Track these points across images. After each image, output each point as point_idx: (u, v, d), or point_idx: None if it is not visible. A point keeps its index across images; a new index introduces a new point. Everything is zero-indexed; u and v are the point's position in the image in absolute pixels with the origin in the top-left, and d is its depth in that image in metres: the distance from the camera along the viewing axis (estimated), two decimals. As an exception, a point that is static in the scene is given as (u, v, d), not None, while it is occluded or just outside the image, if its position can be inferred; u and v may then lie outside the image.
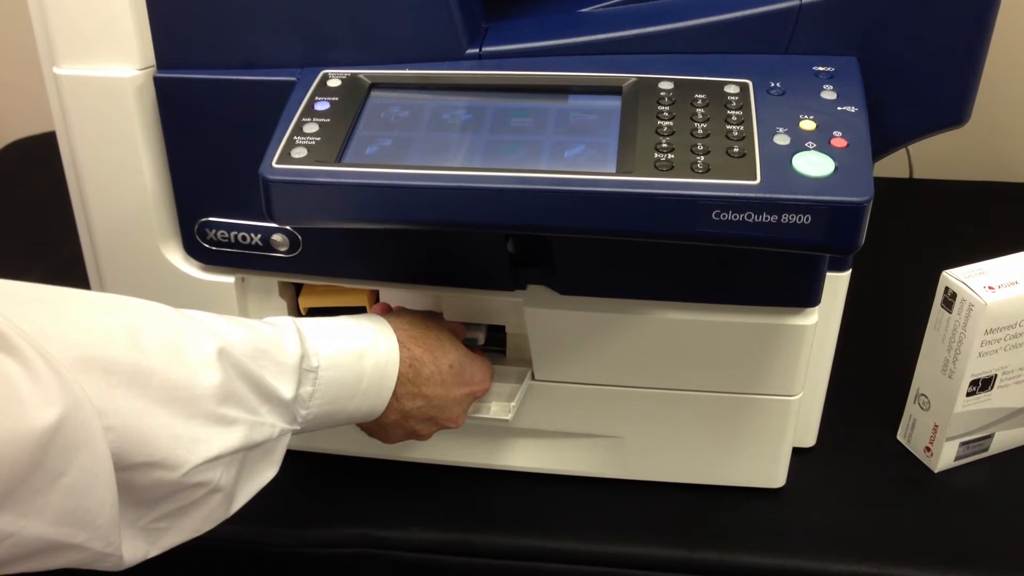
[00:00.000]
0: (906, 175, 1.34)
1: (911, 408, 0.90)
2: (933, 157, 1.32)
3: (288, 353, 0.67)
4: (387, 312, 0.79)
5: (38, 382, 0.50)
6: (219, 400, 0.60)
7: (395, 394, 0.73)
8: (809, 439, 0.90)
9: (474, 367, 0.79)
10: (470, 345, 0.82)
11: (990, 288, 0.80)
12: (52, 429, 0.50)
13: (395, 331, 0.74)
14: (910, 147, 1.22)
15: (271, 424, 0.65)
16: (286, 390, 0.66)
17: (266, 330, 0.67)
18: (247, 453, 0.64)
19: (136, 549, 0.59)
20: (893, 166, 1.30)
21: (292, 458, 0.70)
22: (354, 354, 0.71)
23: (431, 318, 0.80)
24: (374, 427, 0.77)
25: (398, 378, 0.73)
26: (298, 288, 0.86)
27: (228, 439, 0.61)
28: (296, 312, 0.86)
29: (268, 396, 0.65)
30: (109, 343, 0.57)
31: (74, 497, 0.52)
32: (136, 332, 0.58)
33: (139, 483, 0.57)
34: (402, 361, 0.73)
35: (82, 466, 0.52)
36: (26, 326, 0.52)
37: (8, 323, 0.51)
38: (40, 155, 1.39)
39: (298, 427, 0.68)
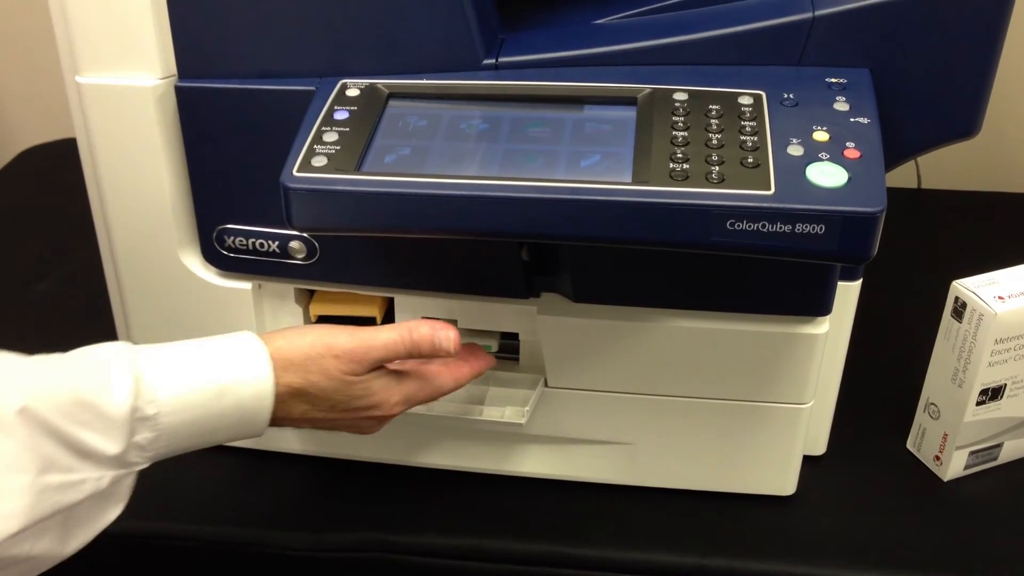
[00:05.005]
0: (914, 185, 1.34)
1: (921, 417, 0.90)
2: (941, 167, 1.33)
3: (115, 403, 0.60)
4: (267, 333, 0.71)
5: None
6: (16, 469, 0.55)
7: (275, 419, 0.68)
8: (819, 447, 0.90)
9: (369, 391, 0.71)
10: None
11: (1000, 298, 0.81)
12: None
13: (271, 357, 0.67)
14: (919, 158, 1.22)
15: (96, 478, 0.60)
16: (110, 446, 0.60)
17: (94, 375, 0.60)
18: (71, 511, 0.59)
19: None
20: (901, 177, 1.30)
21: (307, 462, 0.70)
22: (208, 393, 0.64)
23: (318, 339, 0.70)
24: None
25: (274, 408, 0.67)
26: (313, 294, 0.87)
27: (36, 508, 0.56)
28: (308, 319, 0.87)
29: (86, 453, 0.59)
30: None
31: None
32: None
33: None
34: (277, 395, 0.67)
35: None
36: None
37: None
38: (54, 162, 1.41)
39: (143, 465, 0.63)
